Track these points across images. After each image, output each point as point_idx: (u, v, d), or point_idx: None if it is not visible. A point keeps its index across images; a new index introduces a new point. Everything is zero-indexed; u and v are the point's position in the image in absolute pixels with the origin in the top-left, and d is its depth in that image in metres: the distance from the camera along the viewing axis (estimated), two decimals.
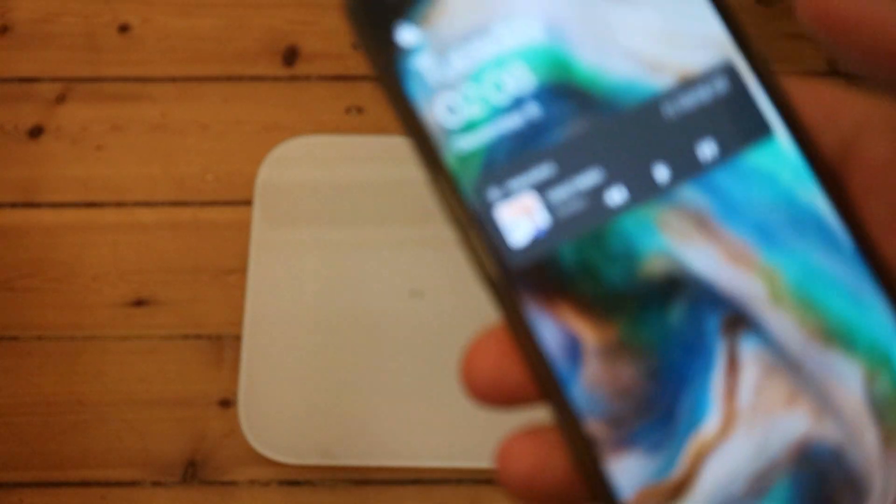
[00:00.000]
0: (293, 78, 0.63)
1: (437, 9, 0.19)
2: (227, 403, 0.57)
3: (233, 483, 0.56)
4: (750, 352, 0.18)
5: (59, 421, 0.57)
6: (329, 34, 0.64)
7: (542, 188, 0.19)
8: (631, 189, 0.19)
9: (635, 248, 0.19)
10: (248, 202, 0.60)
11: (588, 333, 0.18)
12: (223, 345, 0.58)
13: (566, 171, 0.19)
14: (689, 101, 0.19)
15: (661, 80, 0.19)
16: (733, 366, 0.18)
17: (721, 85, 0.19)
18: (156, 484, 0.56)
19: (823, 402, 0.18)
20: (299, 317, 0.57)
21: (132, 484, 0.56)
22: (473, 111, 0.19)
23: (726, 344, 0.18)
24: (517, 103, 0.19)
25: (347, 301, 0.57)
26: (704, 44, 0.20)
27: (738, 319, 0.18)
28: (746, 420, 0.18)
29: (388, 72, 0.20)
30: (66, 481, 0.56)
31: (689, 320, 0.19)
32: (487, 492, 0.55)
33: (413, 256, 0.58)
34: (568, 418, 0.18)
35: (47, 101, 0.62)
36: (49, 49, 0.64)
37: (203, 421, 0.57)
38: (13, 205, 0.61)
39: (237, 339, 0.57)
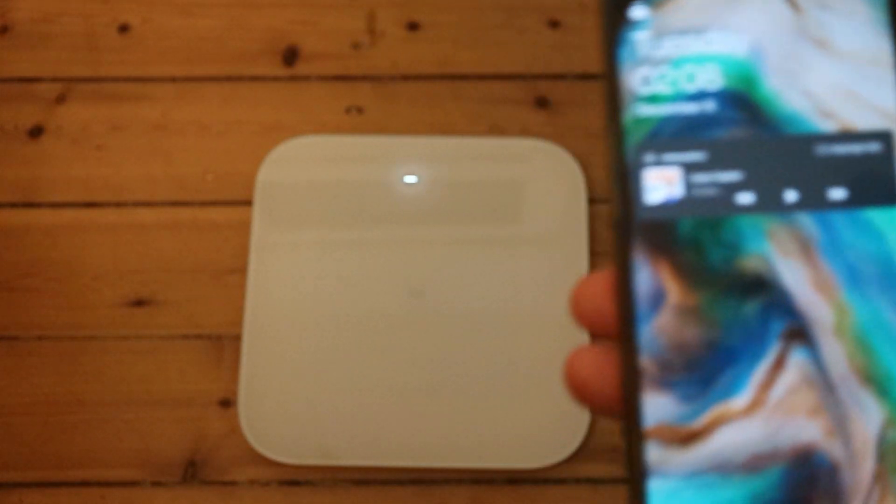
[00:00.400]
0: (293, 78, 0.63)
1: (670, 0, 0.23)
2: (227, 403, 0.57)
3: (233, 483, 0.56)
4: (797, 361, 0.22)
5: (59, 421, 0.57)
6: (329, 34, 0.64)
7: (688, 168, 0.23)
8: (760, 197, 0.22)
9: (742, 243, 0.22)
10: (248, 202, 0.60)
11: (674, 292, 0.22)
12: (223, 345, 0.58)
13: (714, 163, 0.23)
14: (840, 149, 0.22)
15: (824, 124, 0.23)
16: (779, 366, 0.22)
17: (873, 147, 0.22)
18: (156, 484, 0.56)
19: (840, 425, 0.21)
20: (299, 317, 0.57)
21: (132, 484, 0.56)
22: (661, 89, 0.23)
23: (781, 347, 0.22)
24: (699, 95, 0.23)
25: (347, 301, 0.57)
26: (875, 110, 0.23)
27: (799, 333, 0.22)
28: (770, 410, 0.21)
29: (611, 34, 0.23)
30: (66, 481, 0.56)
31: (759, 316, 0.22)
32: (487, 492, 0.55)
33: (413, 256, 0.58)
34: (630, 348, 0.22)
35: (47, 101, 0.62)
36: (49, 49, 0.64)
37: (203, 421, 0.57)
38: (13, 205, 0.61)
39: (237, 339, 0.57)
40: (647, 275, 0.22)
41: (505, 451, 0.55)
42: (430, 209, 0.59)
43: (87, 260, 0.59)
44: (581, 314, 0.23)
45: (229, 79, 0.63)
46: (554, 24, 0.64)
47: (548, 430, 0.55)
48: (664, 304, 0.22)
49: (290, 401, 0.56)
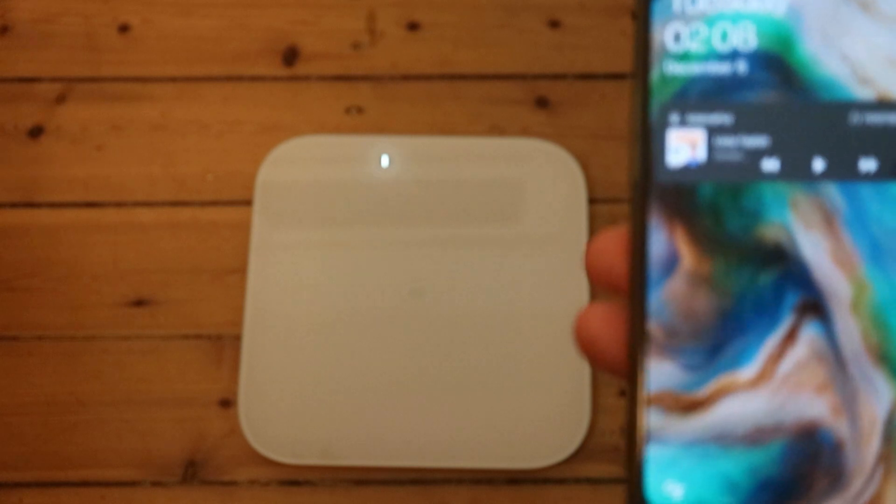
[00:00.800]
0: (293, 78, 0.63)
1: None
2: (227, 403, 0.57)
3: (233, 483, 0.56)
4: (809, 335, 0.21)
5: (59, 421, 0.57)
6: (329, 34, 0.64)
7: (713, 131, 0.22)
8: (785, 165, 0.22)
9: (763, 211, 0.22)
10: (248, 202, 0.60)
11: (687, 257, 0.22)
12: (223, 345, 0.58)
13: (740, 127, 0.22)
14: (875, 118, 0.22)
15: (861, 91, 0.22)
16: (790, 339, 0.21)
17: None
18: (156, 484, 0.56)
19: (848, 403, 0.21)
20: (299, 317, 0.57)
21: (132, 484, 0.56)
22: (693, 46, 0.22)
23: (794, 320, 0.21)
24: (731, 55, 0.22)
25: (347, 301, 0.57)
26: None
27: (814, 306, 0.21)
28: (777, 384, 0.21)
29: None
30: (66, 481, 0.56)
31: (774, 287, 0.21)
32: (487, 492, 0.55)
33: (413, 256, 0.58)
34: (638, 311, 0.22)
35: (47, 101, 0.62)
36: (49, 49, 0.64)
37: (203, 421, 0.57)
38: (13, 205, 0.61)
39: (237, 339, 0.57)
40: (661, 238, 0.22)
41: (505, 451, 0.55)
42: (430, 209, 0.59)
43: (87, 260, 0.59)
44: (594, 270, 0.23)
45: (229, 79, 0.63)
46: (554, 24, 0.64)
47: (548, 430, 0.55)
48: (677, 269, 0.22)
49: (290, 401, 0.56)
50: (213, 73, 0.63)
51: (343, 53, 0.63)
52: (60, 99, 0.62)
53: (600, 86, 0.62)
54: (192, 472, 0.56)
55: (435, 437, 0.55)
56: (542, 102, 0.62)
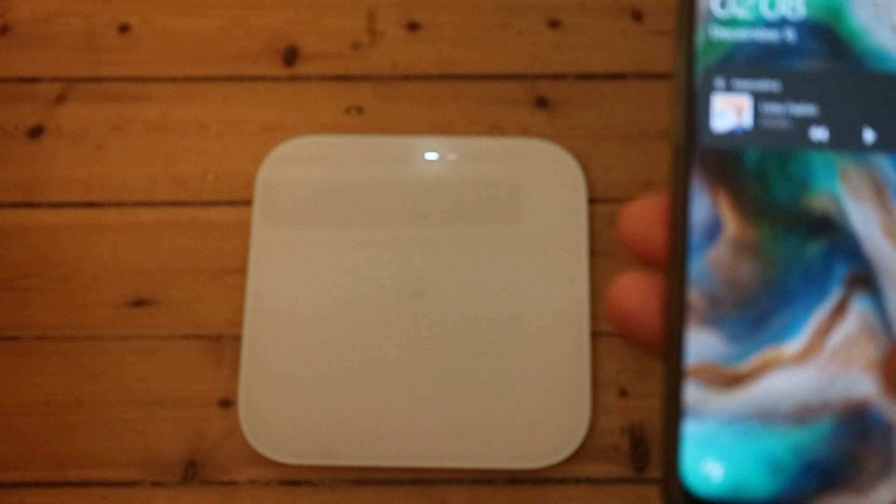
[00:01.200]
0: (293, 78, 0.63)
1: None
2: (227, 403, 0.57)
3: (233, 483, 0.56)
4: (859, 309, 0.20)
5: (59, 421, 0.57)
6: (329, 34, 0.64)
7: (760, 98, 0.22)
8: (834, 134, 0.21)
9: (811, 180, 0.21)
10: (248, 202, 0.60)
11: (731, 224, 0.21)
12: (223, 345, 0.58)
13: (788, 94, 0.22)
14: None
15: None
16: (839, 312, 0.20)
17: None
18: (156, 484, 0.56)
19: None
20: (299, 317, 0.57)
21: (132, 484, 0.56)
22: (741, 13, 0.22)
23: (843, 292, 0.20)
24: (779, 23, 0.22)
25: (347, 301, 0.57)
26: None
27: (864, 279, 0.20)
28: (825, 359, 0.20)
29: None
30: (66, 481, 0.56)
31: (822, 258, 0.21)
32: (487, 492, 0.55)
33: (413, 256, 0.58)
34: (678, 279, 0.21)
35: (47, 101, 0.62)
36: (49, 49, 0.64)
37: (203, 421, 0.57)
38: (13, 205, 0.61)
39: (237, 339, 0.57)
40: (704, 204, 0.21)
41: (505, 451, 0.55)
42: (430, 209, 0.59)
43: (87, 260, 0.59)
44: (628, 238, 0.22)
45: (229, 79, 0.63)
46: (554, 24, 0.64)
47: (548, 430, 0.55)
48: (720, 237, 0.21)
49: (290, 401, 0.56)
50: (213, 73, 0.63)
51: (343, 53, 0.63)
52: (60, 99, 0.63)
53: (600, 86, 0.62)
54: (192, 472, 0.56)
55: (435, 437, 0.55)
56: (542, 102, 0.62)
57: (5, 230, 0.60)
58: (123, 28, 0.64)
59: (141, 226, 0.60)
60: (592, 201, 0.59)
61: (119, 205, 0.61)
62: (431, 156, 0.60)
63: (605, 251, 0.59)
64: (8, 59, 0.64)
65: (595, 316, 0.57)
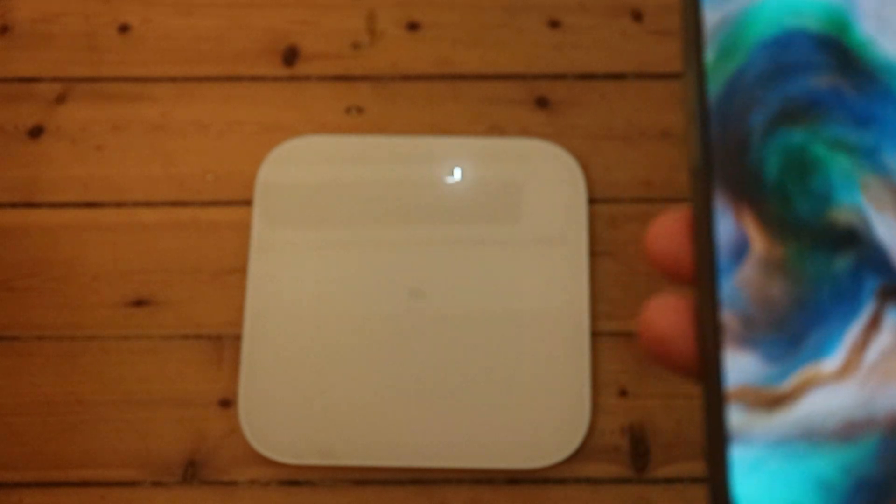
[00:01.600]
0: (293, 78, 0.63)
1: None
2: (227, 403, 0.57)
3: (233, 483, 0.56)
4: (893, 321, 0.20)
5: (59, 421, 0.57)
6: (329, 34, 0.64)
7: (774, 116, 0.21)
8: (853, 146, 0.21)
9: (832, 193, 0.21)
10: (248, 202, 0.60)
11: (758, 242, 0.21)
12: (223, 345, 0.58)
13: (803, 109, 0.21)
14: None
15: None
16: (874, 325, 0.20)
17: None
18: (156, 484, 0.56)
19: None
20: (299, 317, 0.57)
21: (132, 484, 0.56)
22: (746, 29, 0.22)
23: (875, 305, 0.20)
24: (787, 37, 0.21)
25: (347, 301, 0.57)
26: None
27: (895, 290, 0.20)
28: (865, 374, 0.20)
29: None
30: (66, 481, 0.56)
31: (851, 272, 0.20)
32: (487, 492, 0.55)
33: (413, 256, 0.58)
34: (710, 301, 0.20)
35: (47, 101, 0.62)
36: (49, 49, 0.64)
37: (203, 421, 0.57)
38: (13, 205, 0.61)
39: (237, 339, 0.57)
40: (729, 224, 0.21)
41: (505, 451, 0.55)
42: (429, 209, 0.59)
43: (87, 260, 0.59)
44: (655, 257, 0.22)
45: (229, 79, 0.63)
46: (554, 24, 0.64)
47: (548, 430, 0.55)
48: (748, 255, 0.21)
49: (290, 401, 0.56)
50: (213, 73, 0.63)
51: (343, 53, 0.63)
52: (60, 99, 0.63)
53: (600, 86, 0.62)
54: (192, 472, 0.56)
55: (435, 437, 0.55)
56: (542, 102, 0.62)
57: (5, 230, 0.60)
58: (123, 28, 0.64)
59: (141, 226, 0.60)
60: (592, 201, 0.59)
61: (119, 205, 0.61)
62: (431, 156, 0.60)
63: (605, 251, 0.59)
64: (8, 59, 0.64)
65: (595, 316, 0.57)
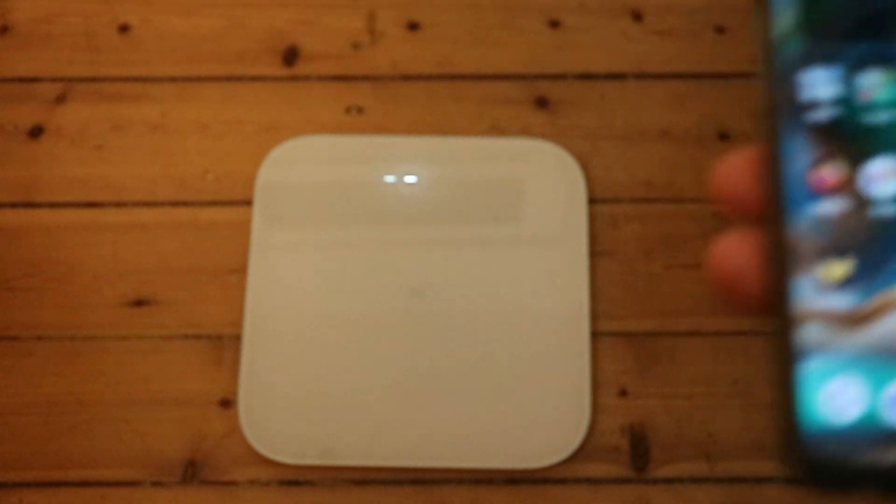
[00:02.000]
0: (293, 78, 0.63)
1: None
2: (227, 403, 0.57)
3: (233, 483, 0.56)
4: None
5: (59, 421, 0.57)
6: (329, 34, 0.64)
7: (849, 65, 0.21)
8: None
9: None
10: (248, 202, 0.60)
11: (832, 175, 0.21)
12: (223, 345, 0.58)
13: (878, 63, 0.21)
14: None
15: None
16: None
17: None
18: (156, 484, 0.56)
19: None
20: (299, 317, 0.57)
21: (132, 484, 0.56)
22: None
23: None
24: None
25: (347, 301, 0.57)
26: None
27: None
28: None
29: None
30: (66, 481, 0.56)
31: None
32: (487, 492, 0.55)
33: (413, 256, 0.58)
34: (784, 229, 0.21)
35: (47, 101, 0.62)
36: (49, 49, 0.64)
37: (203, 421, 0.57)
38: (13, 205, 0.61)
39: (237, 339, 0.57)
40: (801, 154, 0.21)
41: (505, 451, 0.55)
42: (430, 209, 0.59)
43: (87, 260, 0.59)
44: (724, 195, 0.22)
45: (229, 79, 0.63)
46: (554, 24, 0.64)
47: (548, 430, 0.55)
48: (822, 187, 0.21)
49: (290, 401, 0.56)
50: (213, 73, 0.63)
51: (343, 53, 0.63)
52: (60, 99, 0.63)
53: (600, 86, 0.62)
54: (192, 472, 0.56)
55: (435, 437, 0.55)
56: (542, 102, 0.62)
57: (5, 230, 0.60)
58: (123, 28, 0.64)
59: (141, 226, 0.60)
60: (592, 201, 0.59)
61: (119, 205, 0.61)
62: (431, 156, 0.60)
63: (605, 251, 0.59)
64: (8, 59, 0.64)
65: (595, 316, 0.57)
